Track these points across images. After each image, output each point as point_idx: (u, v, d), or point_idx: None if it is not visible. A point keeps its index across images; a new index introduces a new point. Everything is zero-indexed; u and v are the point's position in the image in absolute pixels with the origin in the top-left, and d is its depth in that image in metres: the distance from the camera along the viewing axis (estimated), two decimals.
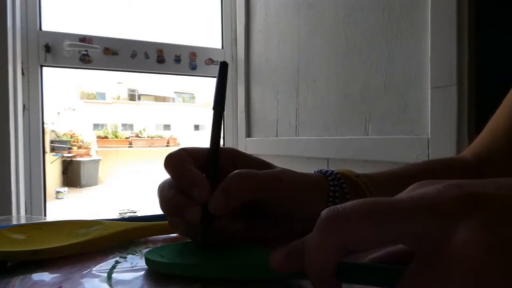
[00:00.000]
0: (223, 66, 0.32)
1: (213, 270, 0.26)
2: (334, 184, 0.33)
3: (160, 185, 0.31)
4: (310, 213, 0.31)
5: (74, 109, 15.07)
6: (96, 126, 15.25)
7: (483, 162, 0.42)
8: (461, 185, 0.18)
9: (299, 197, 0.32)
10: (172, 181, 0.30)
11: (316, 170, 0.36)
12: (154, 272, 0.28)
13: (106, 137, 11.72)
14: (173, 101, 20.61)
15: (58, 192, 6.60)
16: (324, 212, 0.19)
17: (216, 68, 1.65)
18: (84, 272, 0.28)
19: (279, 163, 0.35)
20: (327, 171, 0.35)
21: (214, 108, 0.31)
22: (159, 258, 0.28)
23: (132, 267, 0.29)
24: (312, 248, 0.19)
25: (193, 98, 21.42)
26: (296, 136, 1.33)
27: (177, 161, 0.30)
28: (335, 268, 0.19)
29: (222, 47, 1.74)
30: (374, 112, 1.03)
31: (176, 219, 0.31)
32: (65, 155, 8.29)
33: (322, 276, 0.19)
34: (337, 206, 0.19)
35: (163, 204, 0.30)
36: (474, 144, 0.45)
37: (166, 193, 0.30)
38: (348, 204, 0.19)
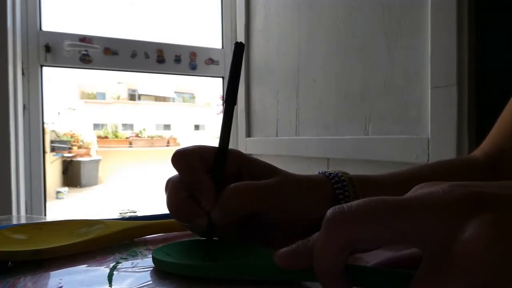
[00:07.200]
0: (238, 48, 0.28)
1: (221, 270, 0.26)
2: (339, 187, 0.33)
3: (169, 182, 0.31)
4: (312, 216, 0.31)
5: (74, 109, 15.08)
6: (96, 126, 15.25)
7: (496, 160, 0.42)
8: (466, 185, 0.18)
9: (299, 204, 0.32)
10: (181, 181, 0.31)
11: (320, 172, 0.36)
12: (154, 272, 0.28)
13: (106, 137, 11.73)
14: (173, 101, 20.60)
15: (58, 192, 6.58)
16: (330, 211, 0.19)
17: (216, 68, 1.65)
18: (84, 272, 0.28)
19: (279, 163, 0.35)
20: (330, 173, 0.35)
21: (225, 102, 0.29)
22: (166, 258, 0.28)
23: (132, 267, 0.29)
24: (319, 246, 0.19)
25: (193, 98, 21.41)
26: (296, 136, 1.33)
27: (190, 167, 0.30)
28: (343, 267, 0.19)
29: (222, 47, 1.74)
30: (374, 112, 1.03)
31: (182, 222, 0.31)
32: (65, 155, 8.28)
33: (330, 274, 0.19)
34: (343, 205, 0.19)
35: (172, 205, 0.30)
36: (485, 143, 0.45)
37: (176, 197, 0.30)
38: (354, 203, 0.19)
